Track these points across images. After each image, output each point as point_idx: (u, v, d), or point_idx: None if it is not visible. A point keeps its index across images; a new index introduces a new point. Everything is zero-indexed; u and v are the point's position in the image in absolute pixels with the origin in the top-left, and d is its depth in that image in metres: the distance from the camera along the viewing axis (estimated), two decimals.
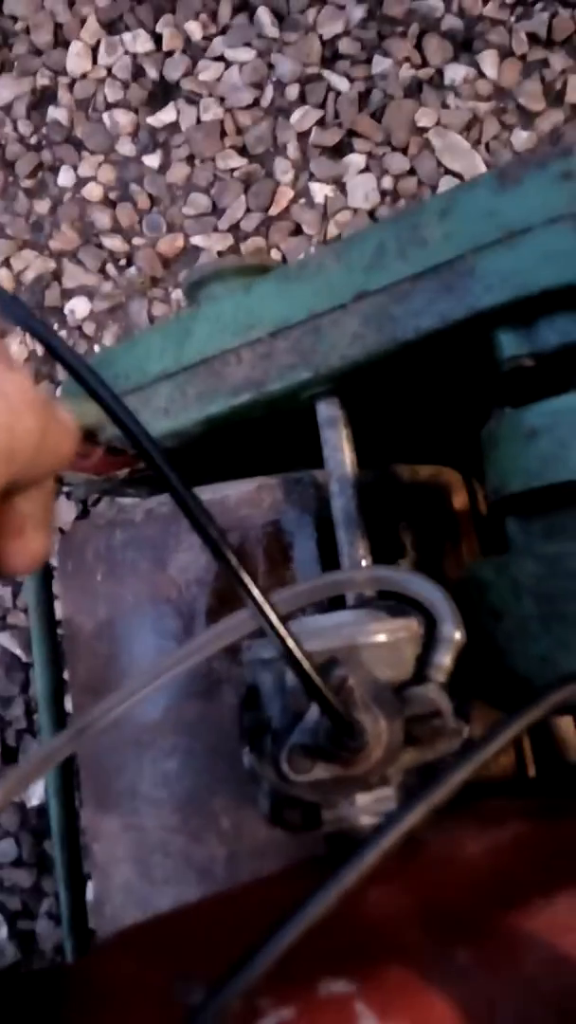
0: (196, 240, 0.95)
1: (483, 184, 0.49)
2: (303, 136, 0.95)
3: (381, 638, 0.43)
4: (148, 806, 0.58)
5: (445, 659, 0.43)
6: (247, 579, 0.34)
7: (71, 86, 0.97)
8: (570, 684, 0.38)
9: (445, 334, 0.51)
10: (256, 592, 0.34)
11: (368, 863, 0.31)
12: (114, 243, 0.95)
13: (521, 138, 0.91)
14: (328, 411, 0.57)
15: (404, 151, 0.94)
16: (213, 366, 0.58)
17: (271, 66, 0.95)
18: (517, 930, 0.32)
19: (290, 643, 0.35)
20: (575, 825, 0.43)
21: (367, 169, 0.94)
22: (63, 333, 0.94)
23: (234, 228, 0.95)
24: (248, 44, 0.95)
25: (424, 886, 0.37)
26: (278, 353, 0.56)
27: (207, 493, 0.58)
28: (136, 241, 0.95)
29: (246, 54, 0.95)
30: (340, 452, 0.56)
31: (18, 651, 0.96)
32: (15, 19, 0.98)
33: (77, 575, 0.63)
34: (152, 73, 0.96)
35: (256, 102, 0.96)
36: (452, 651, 0.43)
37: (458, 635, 0.44)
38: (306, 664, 0.36)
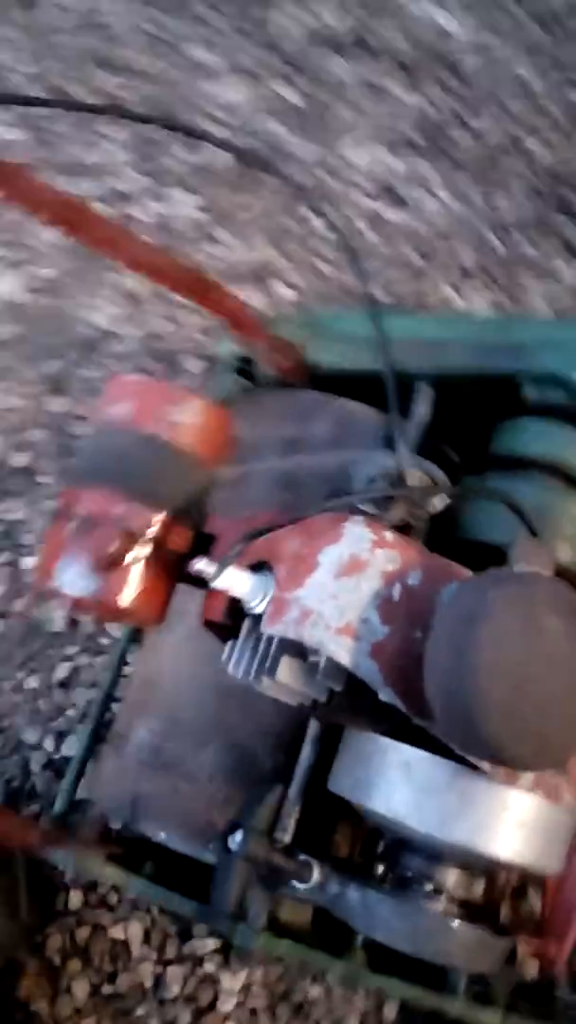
0: None
1: (547, 320, 1.07)
2: None
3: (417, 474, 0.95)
4: None
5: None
6: None
7: None
8: None
9: (501, 376, 1.06)
10: None
11: None
12: None
13: None
14: (426, 391, 1.10)
15: None
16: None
17: None
18: None
19: None
20: None
21: None
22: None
23: None
24: None
25: None
26: (416, 351, 1.10)
27: (345, 402, 1.10)
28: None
29: None
30: (423, 410, 1.09)
31: None
32: None
33: (236, 420, 1.13)
34: None
35: None
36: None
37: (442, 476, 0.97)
38: None
